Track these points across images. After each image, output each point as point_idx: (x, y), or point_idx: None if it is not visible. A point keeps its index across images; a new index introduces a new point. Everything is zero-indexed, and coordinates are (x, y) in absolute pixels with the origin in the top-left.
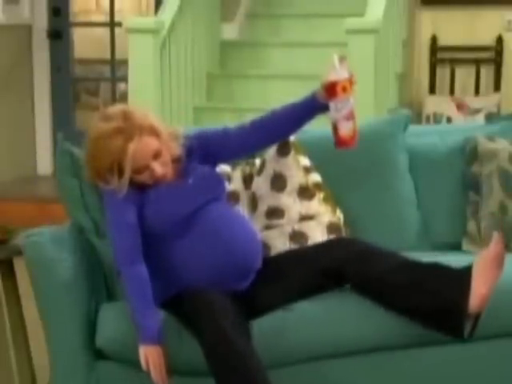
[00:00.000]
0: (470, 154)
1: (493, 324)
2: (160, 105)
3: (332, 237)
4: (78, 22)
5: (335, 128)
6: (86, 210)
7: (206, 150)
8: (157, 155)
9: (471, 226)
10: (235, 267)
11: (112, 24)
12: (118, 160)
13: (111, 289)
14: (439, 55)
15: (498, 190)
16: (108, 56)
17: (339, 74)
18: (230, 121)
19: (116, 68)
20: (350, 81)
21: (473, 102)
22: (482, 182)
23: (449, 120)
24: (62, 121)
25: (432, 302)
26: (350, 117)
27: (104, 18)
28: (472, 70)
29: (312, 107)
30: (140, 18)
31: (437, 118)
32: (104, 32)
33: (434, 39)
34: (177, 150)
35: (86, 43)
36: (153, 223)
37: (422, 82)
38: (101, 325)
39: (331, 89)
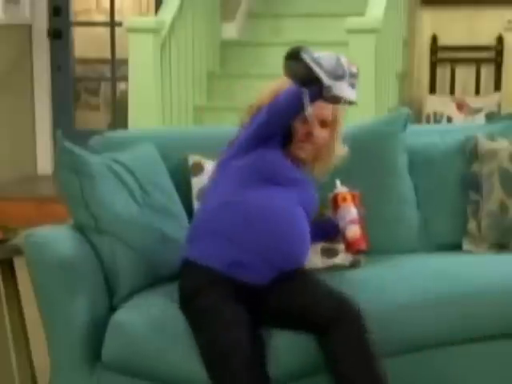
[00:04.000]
0: (470, 153)
1: (497, 324)
2: (160, 104)
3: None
4: (79, 21)
5: (343, 234)
6: (85, 207)
7: None
8: (324, 124)
9: (471, 225)
10: (281, 251)
11: (112, 23)
12: None
13: (111, 289)
14: (439, 55)
15: (499, 189)
16: (108, 55)
17: (339, 189)
18: (230, 120)
19: (116, 67)
20: (353, 195)
21: (473, 101)
22: (483, 182)
23: (449, 120)
24: (62, 120)
25: None
26: (354, 222)
27: (104, 17)
28: (472, 69)
29: (326, 230)
30: (140, 17)
31: (437, 118)
32: (104, 31)
33: (434, 39)
34: (331, 159)
35: (86, 43)
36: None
37: (422, 81)
38: (108, 341)
39: (334, 201)
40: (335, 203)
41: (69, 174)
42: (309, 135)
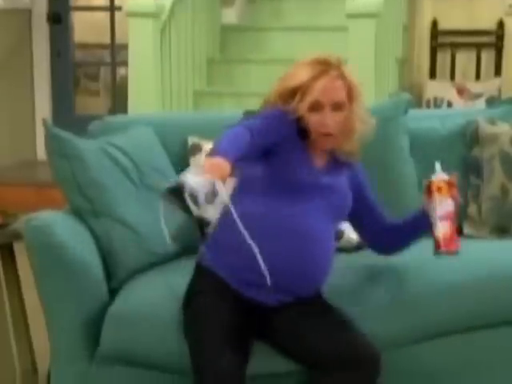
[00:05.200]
0: (470, 137)
1: (500, 312)
2: (160, 89)
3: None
4: (78, 5)
5: (433, 229)
6: (79, 190)
7: (354, 191)
8: (337, 107)
9: (472, 209)
10: (292, 272)
11: (112, 8)
12: (306, 85)
13: (110, 272)
14: (440, 40)
15: (500, 173)
16: (108, 40)
17: (437, 176)
18: (230, 105)
19: (116, 52)
20: (450, 183)
21: (473, 86)
22: (483, 166)
23: (449, 105)
24: (62, 106)
25: None
26: (446, 218)
27: (104, 1)
28: (473, 54)
29: (418, 221)
30: (140, 0)
31: (437, 103)
32: (104, 16)
33: (434, 23)
34: (354, 134)
35: (85, 27)
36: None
37: (422, 66)
38: (105, 332)
39: (428, 189)
40: (429, 191)
41: (59, 159)
42: (322, 125)
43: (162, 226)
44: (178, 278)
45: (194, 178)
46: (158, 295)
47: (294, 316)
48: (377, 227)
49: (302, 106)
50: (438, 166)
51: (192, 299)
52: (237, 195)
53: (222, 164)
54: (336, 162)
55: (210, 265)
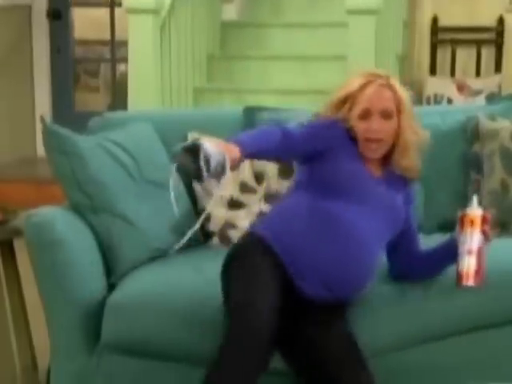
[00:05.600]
0: (471, 133)
1: (503, 311)
2: (160, 85)
3: None
4: (78, 2)
5: (457, 262)
6: (79, 187)
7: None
8: (386, 115)
9: None
10: (334, 271)
11: (112, 4)
12: (355, 94)
13: (110, 267)
14: (440, 36)
15: (500, 168)
16: (108, 37)
17: (472, 209)
18: (229, 101)
19: (116, 49)
20: (484, 218)
21: (474, 83)
22: (484, 161)
23: (449, 101)
24: (62, 102)
25: None
26: (474, 252)
27: None
28: (473, 51)
29: (449, 251)
30: None
31: (437, 100)
32: (104, 13)
33: (434, 20)
34: (410, 148)
35: (85, 24)
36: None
37: (422, 63)
38: (106, 322)
39: (461, 221)
40: (461, 223)
41: (59, 156)
42: (369, 132)
43: (170, 189)
44: (177, 269)
45: (209, 144)
46: (157, 284)
47: (317, 329)
48: (409, 250)
49: (352, 115)
50: (475, 199)
51: (238, 258)
52: (293, 191)
53: (232, 149)
54: (392, 177)
55: (264, 236)
